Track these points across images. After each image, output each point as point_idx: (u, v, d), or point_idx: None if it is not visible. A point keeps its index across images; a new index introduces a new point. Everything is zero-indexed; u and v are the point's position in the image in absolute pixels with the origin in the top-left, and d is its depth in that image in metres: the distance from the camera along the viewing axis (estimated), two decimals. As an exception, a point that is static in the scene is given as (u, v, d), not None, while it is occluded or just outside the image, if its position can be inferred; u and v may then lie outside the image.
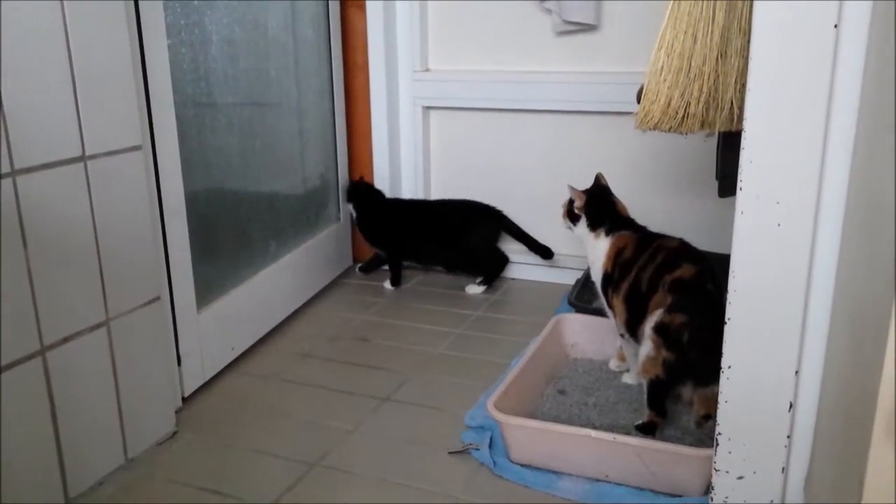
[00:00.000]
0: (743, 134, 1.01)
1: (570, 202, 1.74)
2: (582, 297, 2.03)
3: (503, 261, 2.50)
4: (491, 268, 2.47)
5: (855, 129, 0.97)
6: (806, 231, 1.00)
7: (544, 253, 2.41)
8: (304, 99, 2.35)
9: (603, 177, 1.75)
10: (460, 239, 2.43)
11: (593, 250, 1.69)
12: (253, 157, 2.11)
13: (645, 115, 1.19)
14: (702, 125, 1.18)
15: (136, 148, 1.51)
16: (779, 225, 1.01)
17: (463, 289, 2.43)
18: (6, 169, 1.25)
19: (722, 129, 1.19)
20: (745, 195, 1.02)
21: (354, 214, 2.50)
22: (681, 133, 1.20)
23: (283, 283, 2.21)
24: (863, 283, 0.78)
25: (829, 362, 1.01)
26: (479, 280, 2.44)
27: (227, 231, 2.02)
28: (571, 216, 1.74)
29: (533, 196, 2.44)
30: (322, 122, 2.46)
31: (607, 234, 1.67)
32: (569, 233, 1.80)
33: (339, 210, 2.57)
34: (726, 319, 1.06)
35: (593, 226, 1.69)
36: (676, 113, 1.16)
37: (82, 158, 1.39)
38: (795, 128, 0.98)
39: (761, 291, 1.03)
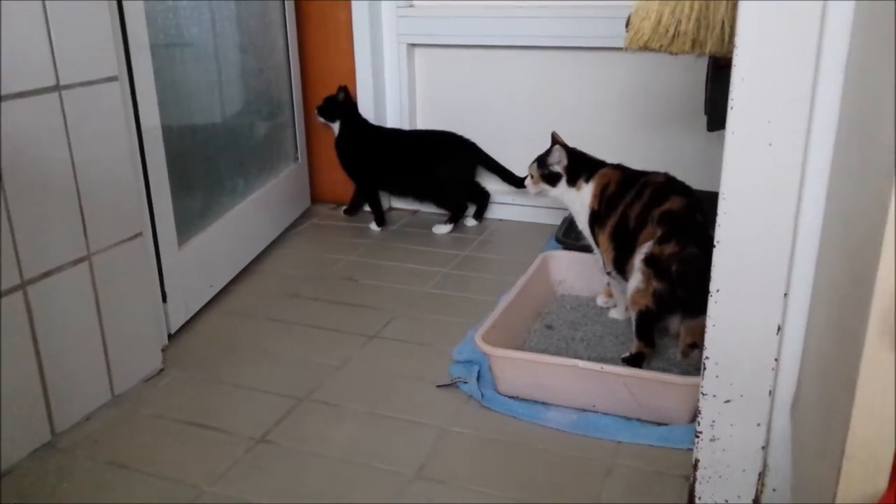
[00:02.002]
0: (734, 51, 0.98)
1: (541, 165, 1.68)
2: (569, 235, 2.02)
3: (482, 196, 2.48)
4: (458, 204, 2.45)
5: (848, 47, 0.94)
6: (797, 150, 0.98)
7: (518, 183, 2.37)
8: (262, 36, 2.30)
9: (558, 134, 1.72)
10: (430, 169, 2.40)
11: (578, 201, 1.66)
12: (219, 95, 2.09)
13: (635, 34, 1.17)
14: (692, 45, 1.15)
15: (113, 79, 1.47)
16: (770, 144, 0.99)
17: (462, 225, 2.44)
18: (-22, 97, 1.21)
19: (713, 51, 1.17)
20: (736, 114, 1.00)
21: (336, 131, 2.45)
22: (671, 53, 1.17)
23: (252, 222, 2.20)
24: (856, 193, 0.77)
25: (818, 283, 1.01)
26: (445, 219, 2.43)
27: (199, 168, 2.00)
28: (549, 178, 1.68)
29: (520, 134, 2.42)
30: (278, 61, 2.41)
31: (587, 180, 1.65)
32: None
33: (296, 150, 2.54)
34: (715, 242, 1.05)
35: (572, 180, 1.66)
36: (667, 31, 1.13)
37: (56, 88, 1.35)
38: (787, 45, 0.96)
39: (751, 212, 1.02)
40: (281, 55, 2.42)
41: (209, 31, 2.01)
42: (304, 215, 2.57)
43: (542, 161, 1.68)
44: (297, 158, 2.55)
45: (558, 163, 1.66)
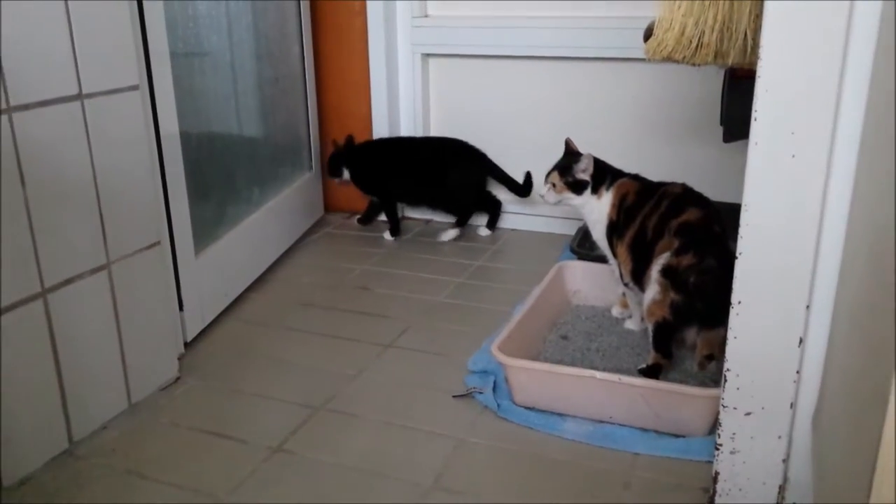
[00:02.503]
0: (758, 62, 0.98)
1: (564, 173, 1.65)
2: (584, 245, 2.02)
3: (494, 205, 2.48)
4: (467, 209, 2.45)
5: (873, 58, 0.94)
6: (821, 162, 0.98)
7: (524, 191, 2.38)
8: (279, 45, 2.32)
9: (572, 141, 1.72)
10: (442, 176, 2.40)
11: (598, 210, 1.65)
12: (235, 104, 2.10)
13: (658, 45, 1.17)
14: (715, 56, 1.16)
15: (134, 87, 1.48)
16: (793, 156, 0.99)
17: (474, 235, 2.44)
18: (3, 105, 1.22)
19: (735, 61, 1.17)
20: (760, 126, 1.00)
21: (349, 176, 2.46)
22: (694, 64, 1.17)
23: (266, 231, 2.20)
24: (884, 203, 0.77)
25: (841, 295, 1.01)
26: (450, 225, 2.43)
27: (215, 177, 2.01)
28: (574, 186, 1.65)
29: (533, 143, 2.41)
30: (293, 71, 2.42)
31: (608, 188, 1.65)
32: None
33: (310, 159, 2.55)
34: (737, 254, 1.05)
35: (596, 188, 1.66)
36: (690, 42, 1.13)
37: (79, 97, 1.36)
38: (812, 56, 0.96)
39: (773, 224, 1.02)
40: (297, 64, 2.43)
41: (226, 40, 2.03)
42: (318, 224, 2.58)
43: (565, 169, 1.65)
44: (311, 167, 2.55)
45: (585, 171, 1.63)
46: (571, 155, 1.68)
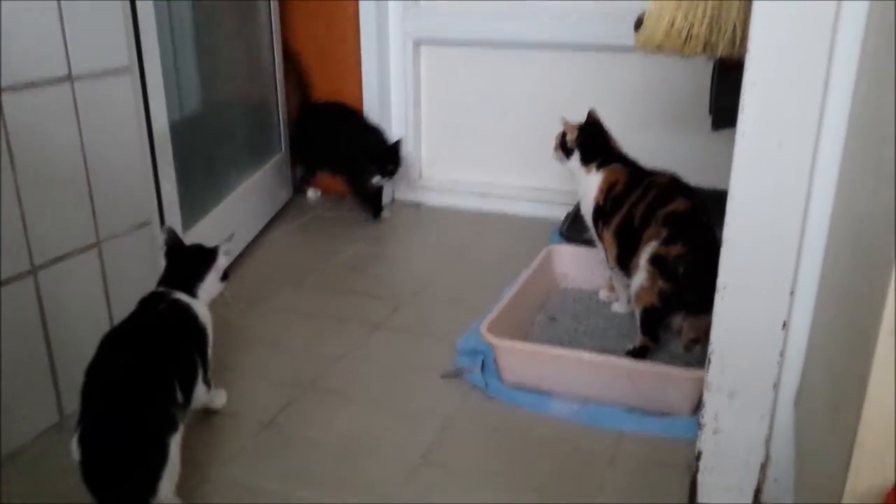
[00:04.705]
0: (747, 54, 1.00)
1: (563, 135, 1.74)
2: (573, 229, 2.04)
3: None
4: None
5: (860, 49, 0.96)
6: (807, 151, 1.00)
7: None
8: (249, 27, 2.31)
9: (595, 112, 1.74)
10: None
11: (585, 184, 1.69)
12: (213, 86, 2.11)
13: (648, 36, 1.18)
14: (704, 47, 1.17)
15: (124, 69, 1.47)
16: (779, 145, 1.01)
17: (461, 218, 2.44)
18: (-8, 85, 1.22)
19: (724, 53, 1.19)
20: (747, 115, 1.01)
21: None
22: (683, 55, 1.19)
23: (245, 210, 2.22)
24: (869, 192, 0.79)
25: (825, 280, 1.03)
26: None
27: (198, 157, 2.01)
28: (564, 149, 1.73)
29: (526, 131, 2.42)
30: (264, 54, 2.41)
31: (598, 168, 1.67)
32: (561, 167, 1.80)
33: (280, 140, 2.54)
34: (723, 239, 1.07)
35: (585, 160, 1.69)
36: (679, 33, 1.15)
37: (69, 78, 1.36)
38: (799, 48, 0.97)
39: (759, 211, 1.04)
40: (267, 46, 2.42)
41: (202, 22, 2.02)
42: (307, 207, 2.57)
43: (566, 133, 1.74)
44: (281, 148, 2.55)
45: (570, 140, 1.72)
46: (585, 123, 1.73)
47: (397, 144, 2.40)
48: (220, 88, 2.18)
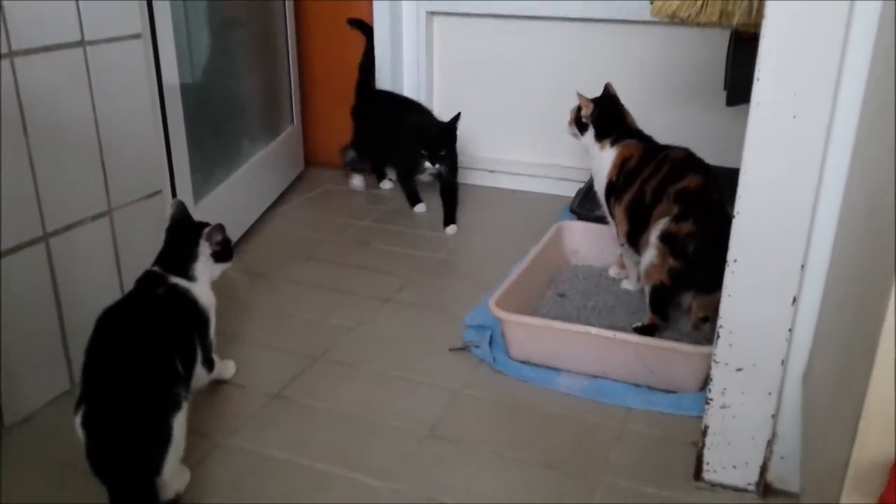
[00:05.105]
0: (763, 22, 0.98)
1: (578, 110, 1.72)
2: (584, 206, 2.03)
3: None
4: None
5: (878, 19, 0.94)
6: (822, 123, 0.99)
7: None
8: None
9: (612, 86, 1.73)
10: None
11: (598, 160, 1.68)
12: (225, 56, 2.11)
13: (663, 3, 1.16)
14: (720, 15, 1.15)
15: (136, 36, 1.47)
16: (794, 117, 0.99)
17: (476, 194, 2.43)
18: (4, 49, 1.22)
19: (740, 22, 1.17)
20: (762, 86, 1.00)
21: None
22: (698, 23, 1.17)
23: (256, 183, 2.21)
24: (883, 167, 0.78)
25: (836, 255, 1.02)
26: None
27: (210, 127, 2.01)
28: (579, 124, 1.72)
29: (539, 106, 2.41)
30: (277, 24, 2.40)
31: (612, 144, 1.66)
32: (573, 143, 1.79)
33: (292, 113, 2.54)
34: (735, 213, 1.06)
35: (600, 136, 1.68)
36: (695, 0, 1.13)
37: (81, 43, 1.36)
38: (816, 17, 0.96)
39: (772, 184, 1.03)
40: (279, 21, 2.41)
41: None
42: (318, 181, 2.57)
43: (580, 108, 1.72)
44: (293, 121, 2.55)
45: (586, 115, 1.70)
46: (601, 97, 1.72)
47: (453, 122, 2.16)
48: (233, 59, 2.18)
